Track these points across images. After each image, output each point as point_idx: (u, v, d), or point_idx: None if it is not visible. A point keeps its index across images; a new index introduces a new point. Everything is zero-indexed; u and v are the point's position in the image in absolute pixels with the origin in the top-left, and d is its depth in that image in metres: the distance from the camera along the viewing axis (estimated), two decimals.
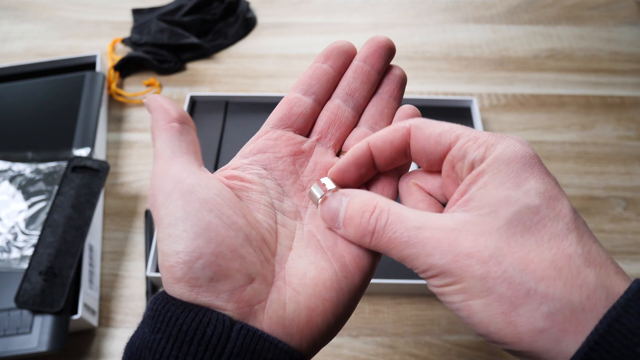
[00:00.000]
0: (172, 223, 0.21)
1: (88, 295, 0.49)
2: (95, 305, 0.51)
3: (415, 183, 0.27)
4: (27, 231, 0.53)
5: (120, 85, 0.71)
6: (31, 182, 0.56)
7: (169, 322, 0.20)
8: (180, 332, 0.20)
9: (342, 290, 0.23)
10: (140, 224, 0.57)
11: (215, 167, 0.58)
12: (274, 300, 0.22)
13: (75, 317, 0.46)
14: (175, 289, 0.21)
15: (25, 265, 0.49)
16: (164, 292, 0.22)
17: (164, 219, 0.21)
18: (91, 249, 0.52)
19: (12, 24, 0.79)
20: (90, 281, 0.51)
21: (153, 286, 0.52)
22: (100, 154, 0.61)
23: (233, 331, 0.20)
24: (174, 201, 0.21)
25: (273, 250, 0.24)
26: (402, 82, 0.30)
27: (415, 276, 0.50)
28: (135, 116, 0.67)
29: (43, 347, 0.43)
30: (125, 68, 0.71)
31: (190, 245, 0.21)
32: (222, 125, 0.62)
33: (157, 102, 0.25)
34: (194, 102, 0.65)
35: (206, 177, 0.23)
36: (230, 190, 0.23)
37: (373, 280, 0.49)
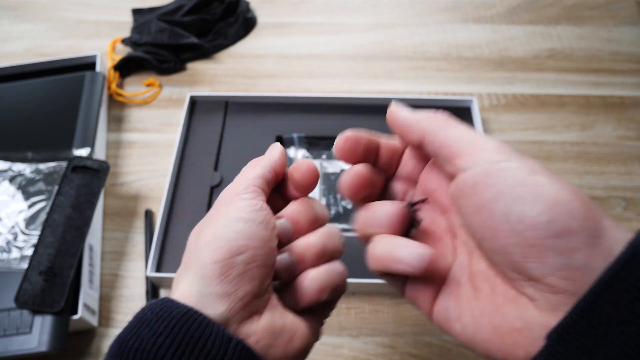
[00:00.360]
0: (238, 216, 0.25)
1: (88, 295, 0.49)
2: (95, 305, 0.51)
3: None
4: (27, 231, 0.53)
5: (120, 85, 0.71)
6: (31, 182, 0.56)
7: (172, 329, 0.21)
8: (183, 341, 0.21)
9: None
10: (140, 224, 0.57)
11: (215, 167, 0.58)
12: (268, 314, 0.25)
13: (75, 317, 0.46)
14: (208, 269, 0.23)
15: (25, 265, 0.49)
16: (169, 299, 0.23)
17: (234, 210, 0.25)
18: (91, 249, 0.52)
19: (12, 24, 0.79)
20: (90, 281, 0.51)
21: (153, 286, 0.52)
22: (100, 154, 0.61)
23: (230, 346, 0.22)
24: (247, 206, 0.26)
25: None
26: None
27: None
28: (135, 116, 0.67)
29: (43, 347, 0.43)
30: (125, 68, 0.71)
31: (243, 242, 0.24)
32: (222, 125, 0.62)
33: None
34: (194, 102, 0.65)
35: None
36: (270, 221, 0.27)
37: (373, 281, 0.49)
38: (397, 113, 0.26)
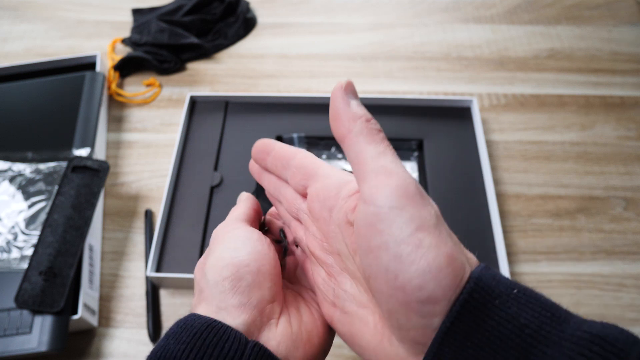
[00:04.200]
0: (235, 239, 0.28)
1: (88, 295, 0.49)
2: (95, 305, 0.51)
3: None
4: (27, 231, 0.53)
5: (120, 85, 0.71)
6: (31, 182, 0.56)
7: (194, 336, 0.23)
8: (203, 345, 0.23)
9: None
10: (140, 224, 0.57)
11: (215, 167, 0.58)
12: (284, 318, 0.27)
13: (75, 317, 0.46)
14: (220, 287, 0.25)
15: (25, 265, 0.49)
16: (194, 313, 0.25)
17: (228, 238, 0.28)
18: (91, 249, 0.52)
19: (12, 24, 0.79)
20: (90, 281, 0.51)
21: (153, 286, 0.52)
22: (100, 154, 0.61)
23: (247, 348, 0.23)
24: (239, 231, 0.28)
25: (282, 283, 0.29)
26: None
27: None
28: (135, 116, 0.67)
29: (43, 347, 0.43)
30: (125, 68, 0.71)
31: (244, 257, 0.26)
32: (222, 125, 0.62)
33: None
34: (194, 102, 0.65)
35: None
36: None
37: None
38: (340, 99, 0.24)
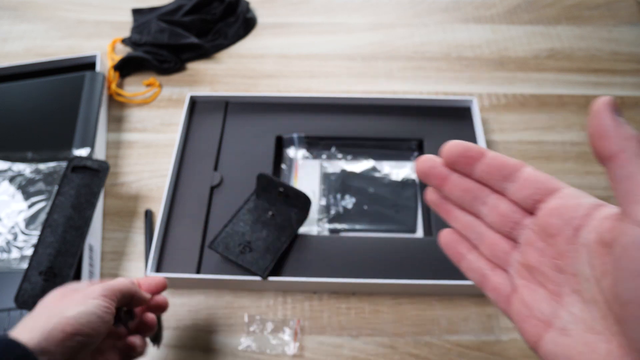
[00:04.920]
0: (88, 313, 0.34)
1: None
2: None
3: None
4: (27, 231, 0.53)
5: (120, 85, 0.71)
6: (31, 182, 0.56)
7: None
8: None
9: None
10: (140, 224, 0.57)
11: (215, 167, 0.58)
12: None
13: None
14: (55, 331, 0.32)
15: (25, 265, 0.49)
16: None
17: (87, 307, 0.35)
18: (91, 249, 0.52)
19: (12, 24, 0.79)
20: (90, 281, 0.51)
21: None
22: (100, 154, 0.61)
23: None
24: (97, 305, 0.35)
25: None
26: None
27: (415, 276, 0.50)
28: (135, 116, 0.67)
29: None
30: (125, 68, 0.71)
31: (87, 330, 0.34)
32: (222, 125, 0.62)
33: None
34: (194, 102, 0.65)
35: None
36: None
37: (373, 280, 0.49)
38: (609, 116, 0.23)
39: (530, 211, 0.26)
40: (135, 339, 0.40)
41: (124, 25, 0.78)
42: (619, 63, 0.72)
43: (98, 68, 0.67)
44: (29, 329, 0.31)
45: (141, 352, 0.40)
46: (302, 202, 0.53)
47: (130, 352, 0.40)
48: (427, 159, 0.29)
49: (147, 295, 0.41)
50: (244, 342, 0.49)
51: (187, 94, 0.65)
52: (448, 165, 0.28)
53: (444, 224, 0.54)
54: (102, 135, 0.63)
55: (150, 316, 0.42)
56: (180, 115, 0.66)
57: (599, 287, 0.23)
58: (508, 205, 0.27)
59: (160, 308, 0.43)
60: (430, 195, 0.30)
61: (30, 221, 0.53)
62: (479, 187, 0.28)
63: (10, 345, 0.29)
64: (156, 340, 0.47)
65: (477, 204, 0.28)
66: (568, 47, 0.74)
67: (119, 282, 0.38)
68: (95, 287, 0.37)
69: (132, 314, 0.40)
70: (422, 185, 0.59)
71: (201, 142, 0.61)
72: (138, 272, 0.54)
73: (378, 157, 0.62)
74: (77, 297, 0.35)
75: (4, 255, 0.51)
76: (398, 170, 0.61)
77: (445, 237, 0.30)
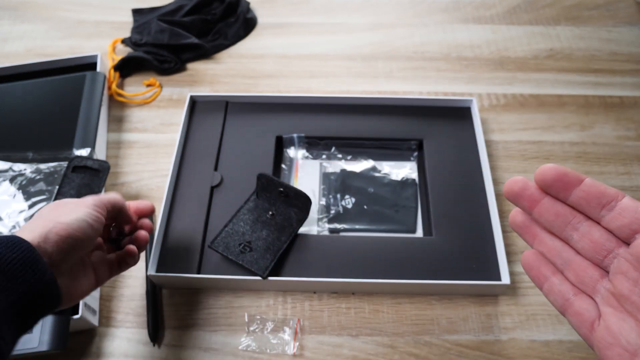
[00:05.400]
0: (80, 220, 0.38)
1: (89, 295, 0.49)
2: (95, 304, 0.51)
3: None
4: None
5: (120, 86, 0.71)
6: (32, 182, 0.56)
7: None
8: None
9: None
10: None
11: (215, 167, 0.58)
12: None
13: (76, 316, 0.46)
14: (51, 235, 0.35)
15: None
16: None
17: (79, 214, 0.38)
18: None
19: (12, 24, 0.79)
20: None
21: (153, 285, 0.52)
22: (100, 154, 0.61)
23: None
24: (88, 213, 0.39)
25: None
26: None
27: (415, 276, 0.51)
28: (136, 116, 0.67)
29: (44, 347, 0.43)
30: (126, 68, 0.72)
31: (80, 234, 0.37)
32: (222, 125, 0.62)
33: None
34: (194, 102, 0.65)
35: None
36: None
37: (373, 280, 0.49)
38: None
39: (625, 240, 0.26)
40: (130, 247, 0.45)
41: (124, 25, 0.79)
42: (618, 63, 0.72)
43: (98, 68, 0.67)
44: (29, 231, 0.34)
45: (134, 261, 0.45)
46: (302, 202, 0.53)
47: (122, 264, 0.44)
48: (519, 180, 0.29)
49: (134, 218, 0.46)
50: (244, 341, 0.49)
51: (187, 94, 0.65)
52: (542, 188, 0.28)
53: (443, 225, 0.55)
54: (102, 135, 0.63)
55: (143, 233, 0.46)
56: (180, 115, 0.66)
57: None
58: (602, 233, 0.27)
59: (145, 229, 0.47)
60: (517, 216, 0.30)
61: None
62: (572, 213, 0.28)
63: (16, 241, 0.32)
64: (156, 339, 0.47)
65: (568, 229, 0.28)
66: (567, 47, 0.75)
67: (110, 195, 0.43)
68: (88, 198, 0.41)
69: (122, 231, 0.46)
70: (422, 185, 0.59)
71: (201, 142, 0.61)
72: (138, 271, 0.54)
73: (378, 157, 0.62)
74: (70, 207, 0.38)
75: None
76: (398, 170, 0.61)
77: (528, 258, 0.30)
